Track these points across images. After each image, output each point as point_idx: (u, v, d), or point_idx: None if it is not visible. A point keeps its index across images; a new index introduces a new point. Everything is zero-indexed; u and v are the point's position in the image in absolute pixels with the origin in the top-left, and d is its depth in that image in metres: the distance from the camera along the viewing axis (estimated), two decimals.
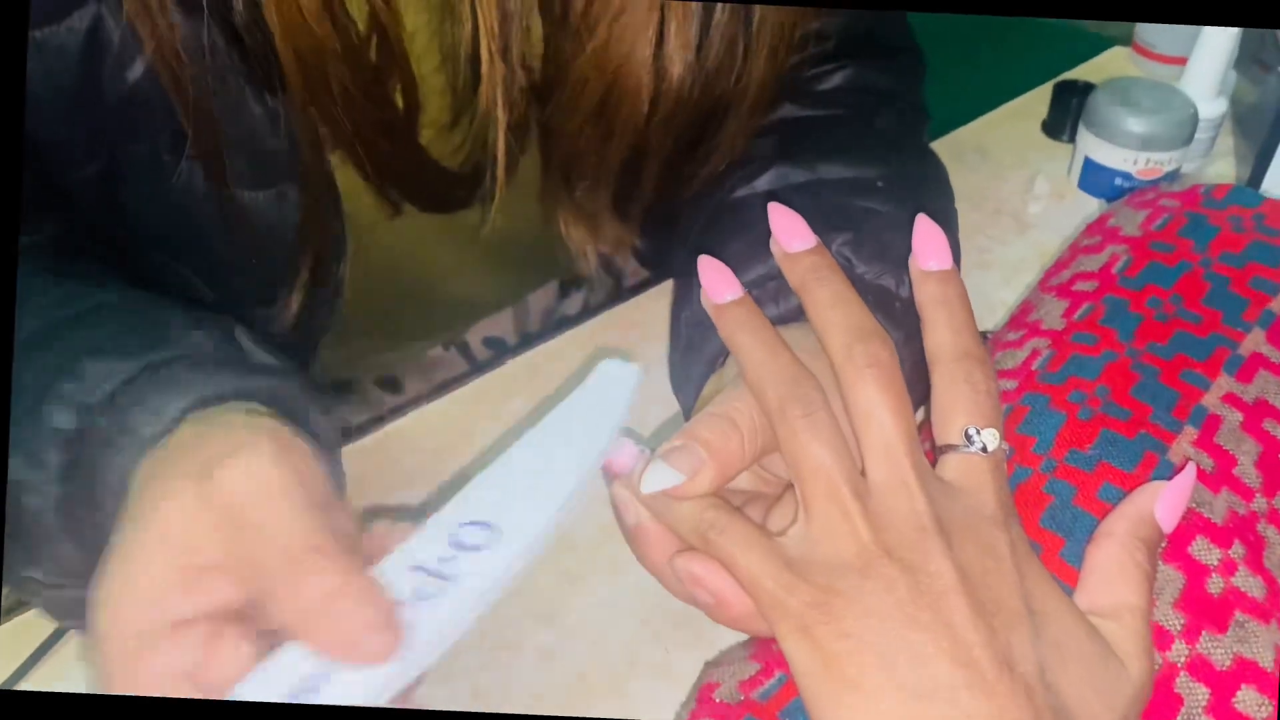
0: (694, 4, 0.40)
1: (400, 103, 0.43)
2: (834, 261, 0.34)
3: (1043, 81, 0.73)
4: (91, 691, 0.27)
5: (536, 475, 0.31)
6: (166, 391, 0.31)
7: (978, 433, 0.30)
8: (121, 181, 0.40)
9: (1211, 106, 0.64)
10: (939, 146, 0.66)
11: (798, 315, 0.36)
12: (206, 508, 0.27)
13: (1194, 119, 0.61)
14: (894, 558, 0.28)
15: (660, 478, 0.30)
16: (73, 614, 0.34)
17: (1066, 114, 0.68)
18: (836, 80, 0.53)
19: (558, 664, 0.39)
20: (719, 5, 0.41)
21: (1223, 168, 0.67)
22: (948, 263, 0.33)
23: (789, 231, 0.34)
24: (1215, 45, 0.63)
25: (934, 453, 0.31)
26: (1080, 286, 0.42)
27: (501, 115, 0.43)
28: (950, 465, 0.30)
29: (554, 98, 0.44)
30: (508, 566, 0.29)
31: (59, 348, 0.33)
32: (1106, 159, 0.62)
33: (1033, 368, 0.38)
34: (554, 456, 0.31)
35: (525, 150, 0.47)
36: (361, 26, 0.40)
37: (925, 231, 0.34)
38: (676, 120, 0.44)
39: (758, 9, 0.42)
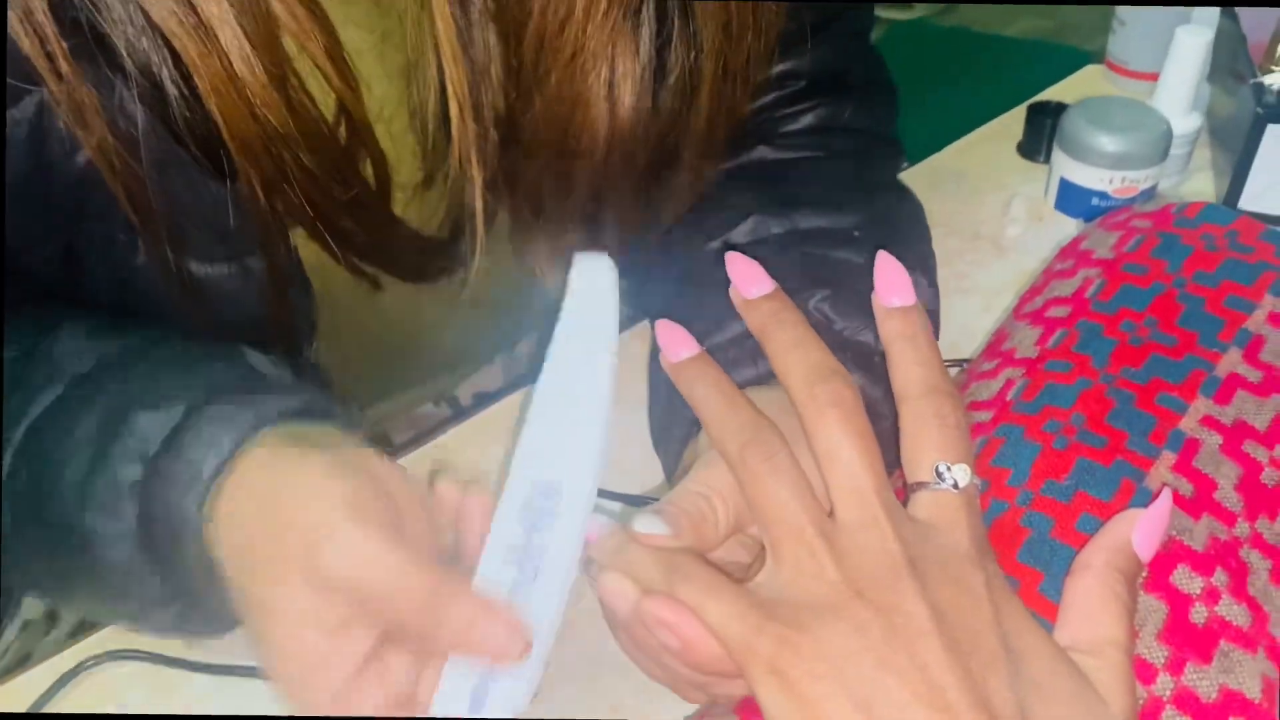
0: (641, 47, 0.40)
1: (371, 176, 0.43)
2: (793, 305, 0.33)
3: (1018, 103, 0.73)
4: None
5: (569, 414, 0.33)
6: (216, 428, 0.33)
7: (948, 469, 0.30)
8: (82, 260, 0.40)
9: (1185, 122, 0.64)
10: (917, 173, 0.66)
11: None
12: (323, 590, 0.30)
13: (1167, 135, 0.61)
14: (866, 599, 0.27)
15: (650, 524, 0.30)
16: (168, 630, 0.37)
17: (1041, 135, 0.68)
18: (809, 120, 0.53)
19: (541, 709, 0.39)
20: (673, 32, 0.41)
21: (1201, 182, 0.67)
22: (910, 299, 0.33)
23: (746, 278, 0.34)
24: (1185, 59, 0.63)
25: (905, 491, 0.31)
26: (1053, 313, 0.42)
27: (477, 173, 0.43)
28: (922, 503, 0.30)
29: (515, 146, 0.44)
30: (579, 524, 0.31)
31: (103, 402, 0.35)
32: (1082, 179, 0.62)
33: (1007, 398, 0.38)
34: (575, 383, 0.33)
35: (499, 203, 0.47)
36: (325, 110, 0.39)
37: (886, 269, 0.33)
38: (634, 159, 0.44)
39: (716, 36, 0.42)
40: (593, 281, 0.35)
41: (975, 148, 0.71)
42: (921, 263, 0.46)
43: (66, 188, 0.38)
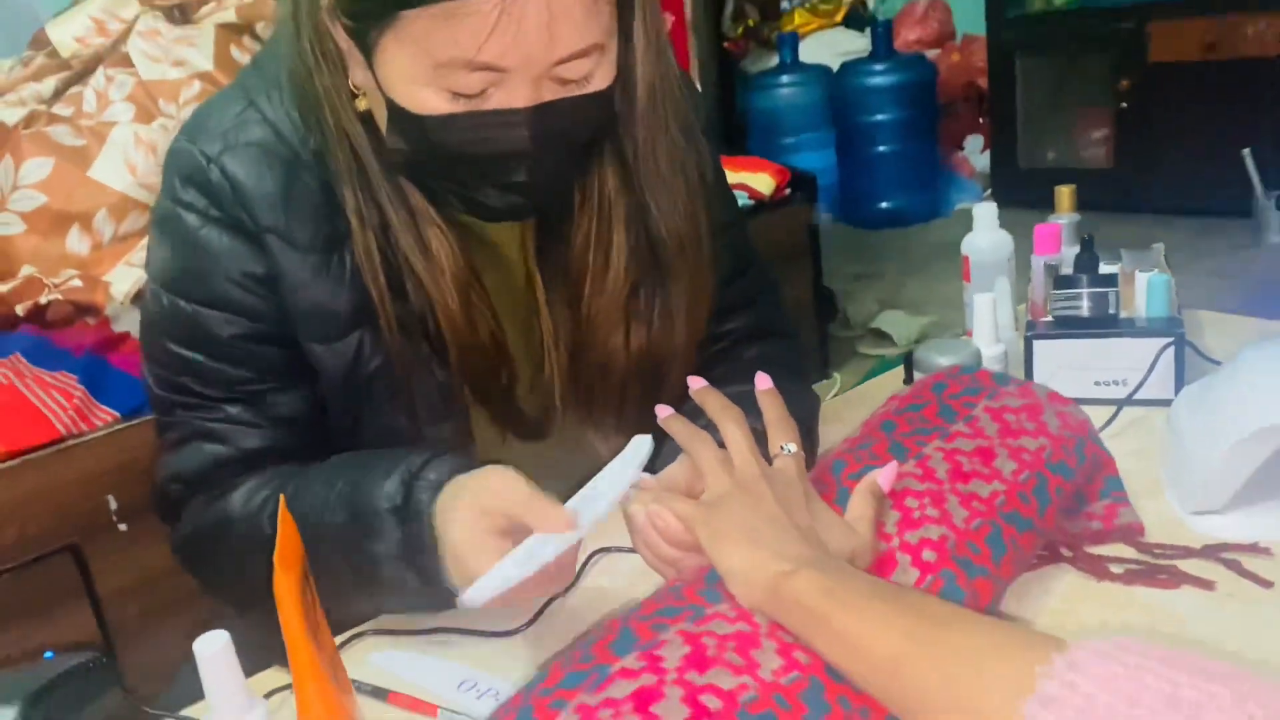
0: (644, 301, 0.82)
1: (505, 378, 0.84)
2: (720, 394, 0.71)
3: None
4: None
5: (605, 484, 0.68)
6: (432, 476, 0.70)
7: (783, 446, 0.67)
8: (360, 421, 0.81)
9: (992, 349, 1.04)
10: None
11: None
12: (483, 503, 0.66)
13: (977, 355, 1.01)
14: (744, 491, 0.63)
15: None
16: (422, 608, 0.71)
17: (912, 367, 1.08)
18: (751, 353, 0.94)
19: None
20: (657, 305, 0.83)
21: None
22: (768, 384, 0.71)
23: (696, 382, 0.72)
24: (983, 314, 1.04)
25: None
26: (886, 423, 0.79)
27: (559, 384, 0.84)
28: (778, 461, 0.67)
29: (578, 366, 0.85)
30: (602, 511, 0.65)
31: (366, 482, 0.72)
32: None
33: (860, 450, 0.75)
34: (612, 475, 0.68)
35: (570, 398, 0.87)
36: (487, 337, 0.81)
37: (766, 400, 0.71)
38: (641, 367, 0.85)
39: (681, 304, 0.84)
40: (635, 448, 0.70)
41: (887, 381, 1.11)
42: (812, 430, 0.84)
43: (362, 381, 0.79)
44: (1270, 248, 2.78)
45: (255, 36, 1.92)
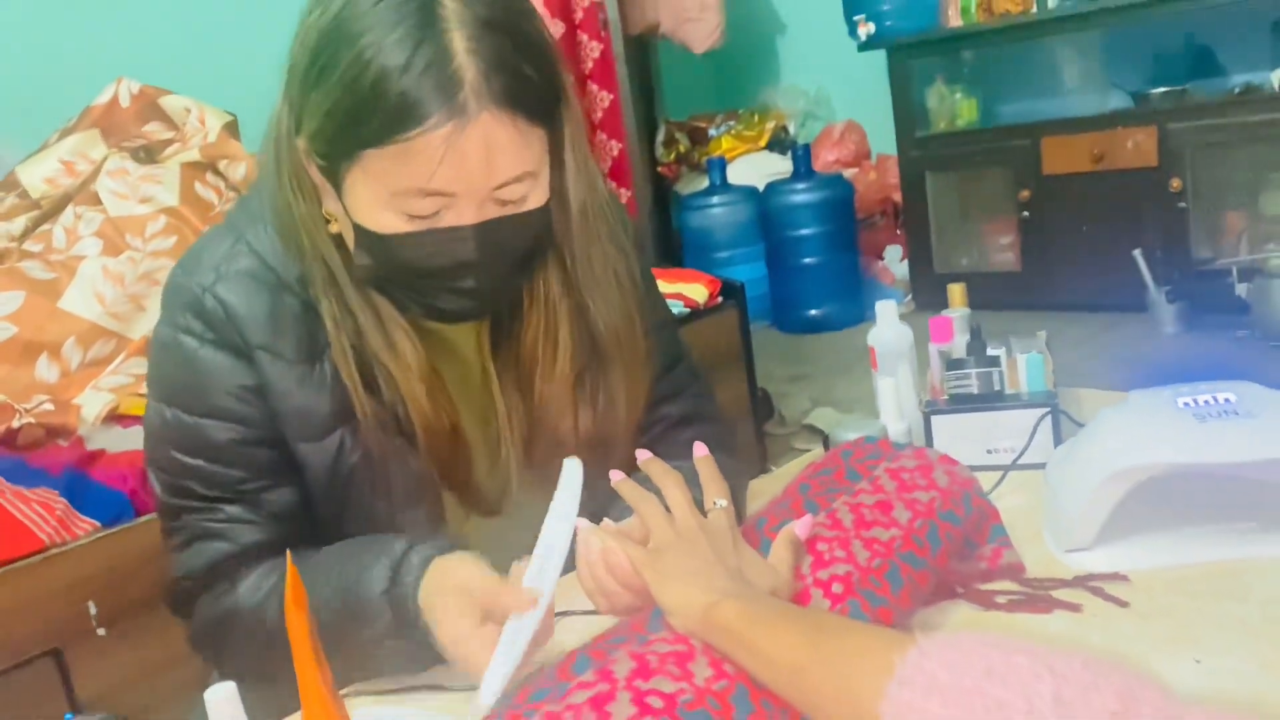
0: (589, 387, 0.95)
1: (466, 463, 0.95)
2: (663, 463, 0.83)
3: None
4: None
5: (553, 531, 0.78)
6: (414, 560, 0.80)
7: (715, 502, 0.79)
8: (343, 512, 0.92)
9: (897, 426, 1.18)
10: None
11: None
12: (462, 598, 0.77)
13: (884, 432, 1.14)
14: (684, 540, 0.75)
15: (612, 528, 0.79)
16: (412, 670, 0.81)
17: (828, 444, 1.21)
18: (685, 435, 1.07)
19: None
20: (600, 391, 0.95)
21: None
22: (705, 452, 0.83)
23: (642, 454, 0.84)
24: (886, 397, 1.18)
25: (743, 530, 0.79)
26: (801, 487, 0.91)
27: (514, 464, 0.96)
28: (710, 515, 0.78)
29: (533, 447, 0.97)
30: (558, 565, 0.76)
31: (357, 573, 0.82)
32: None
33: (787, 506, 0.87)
34: (557, 520, 0.79)
35: (522, 477, 0.99)
36: (449, 427, 0.93)
37: (701, 464, 0.83)
38: (590, 447, 0.96)
39: (622, 390, 0.96)
40: (569, 474, 0.83)
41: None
42: (742, 496, 0.96)
43: (344, 474, 0.90)
44: (1164, 338, 3.02)
45: (218, 173, 2.06)
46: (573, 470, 0.83)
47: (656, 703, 0.60)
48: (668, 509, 0.79)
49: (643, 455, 0.84)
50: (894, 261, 4.24)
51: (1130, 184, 3.31)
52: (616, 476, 0.82)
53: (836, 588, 0.76)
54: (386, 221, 0.82)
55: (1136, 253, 3.06)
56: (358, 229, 0.84)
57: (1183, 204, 3.24)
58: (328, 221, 0.88)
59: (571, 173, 0.90)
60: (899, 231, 4.24)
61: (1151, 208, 3.29)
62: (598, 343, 0.94)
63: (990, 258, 3.87)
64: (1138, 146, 3.26)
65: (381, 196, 0.81)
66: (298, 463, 0.90)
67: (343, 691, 0.85)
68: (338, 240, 0.88)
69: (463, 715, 0.81)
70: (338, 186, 0.84)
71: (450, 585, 0.79)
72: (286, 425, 0.89)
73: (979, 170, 3.80)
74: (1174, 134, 3.23)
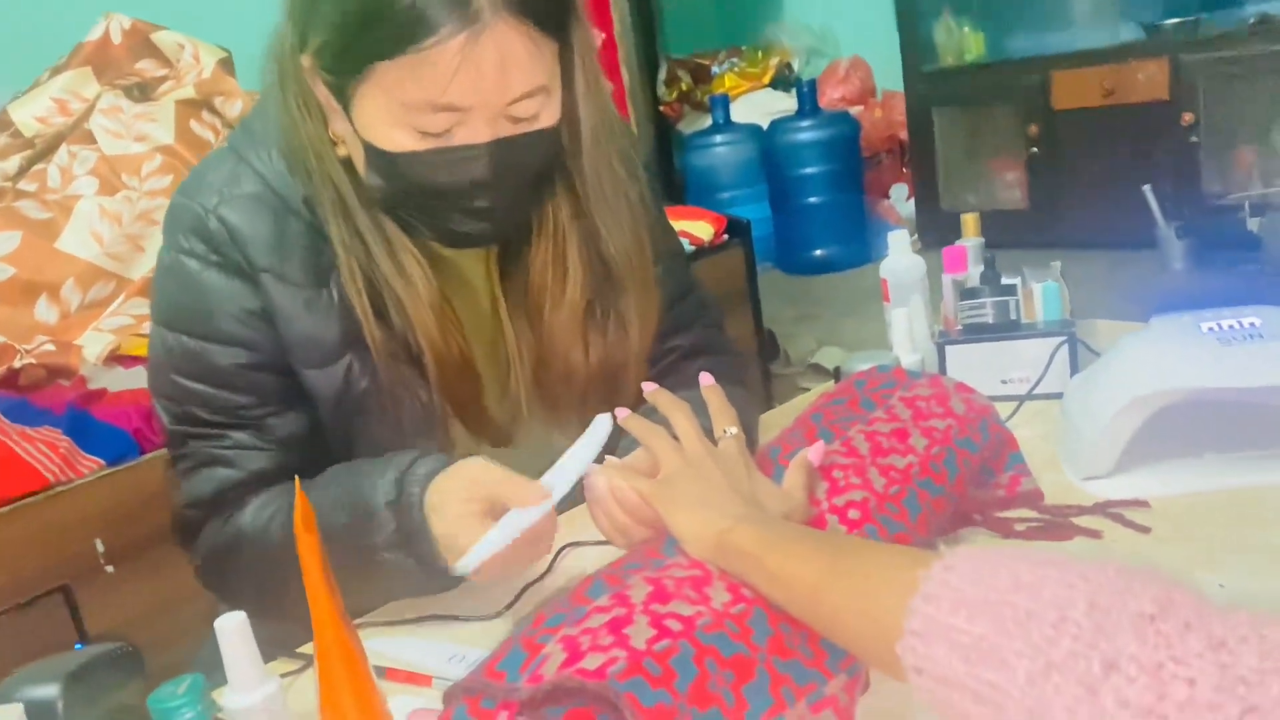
0: (599, 315, 0.93)
1: (475, 392, 0.93)
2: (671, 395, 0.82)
3: None
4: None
5: (573, 460, 0.77)
6: (420, 471, 0.79)
7: (726, 430, 0.77)
8: (353, 433, 0.90)
9: (910, 358, 1.16)
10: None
11: None
12: (467, 489, 0.75)
13: (895, 361, 1.12)
14: (694, 467, 0.73)
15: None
16: (421, 590, 0.81)
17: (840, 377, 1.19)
18: (696, 366, 1.04)
19: None
20: (611, 318, 0.93)
21: None
22: (711, 382, 0.82)
23: (648, 387, 0.82)
24: (899, 327, 1.16)
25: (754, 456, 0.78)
26: (814, 415, 0.90)
27: (525, 395, 0.94)
28: (721, 441, 0.77)
29: (542, 375, 0.95)
30: (570, 483, 0.75)
31: (364, 487, 0.81)
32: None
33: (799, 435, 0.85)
34: (579, 452, 0.78)
35: (533, 406, 0.97)
36: (458, 354, 0.91)
37: (709, 393, 0.82)
38: (601, 376, 0.95)
39: (633, 316, 0.94)
40: (597, 426, 0.81)
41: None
42: (754, 420, 0.95)
43: (352, 401, 0.88)
44: (1173, 274, 2.98)
45: (214, 111, 2.02)
46: (601, 423, 0.80)
47: (675, 625, 0.59)
48: (677, 440, 0.78)
49: (649, 388, 0.82)
50: (900, 200, 4.19)
51: (1141, 118, 3.26)
52: (623, 414, 0.80)
53: (853, 514, 0.74)
54: (397, 139, 0.80)
55: (1146, 188, 3.01)
56: (368, 148, 0.82)
57: (1194, 138, 3.19)
58: (334, 145, 0.86)
59: (582, 92, 0.87)
60: (905, 170, 4.19)
61: (1162, 142, 3.24)
62: (608, 268, 0.92)
63: (997, 195, 3.82)
64: (1149, 80, 3.20)
65: (393, 112, 0.79)
66: (305, 389, 0.88)
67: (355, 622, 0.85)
68: (345, 163, 0.86)
69: (478, 645, 0.80)
70: (346, 104, 0.81)
71: (457, 482, 0.78)
72: (293, 350, 0.87)
73: (987, 106, 3.74)
74: (1186, 66, 3.17)
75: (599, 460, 0.77)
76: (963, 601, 0.50)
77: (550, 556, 0.89)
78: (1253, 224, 2.76)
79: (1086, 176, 3.42)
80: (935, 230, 3.74)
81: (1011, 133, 3.65)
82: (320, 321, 0.86)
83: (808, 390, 2.81)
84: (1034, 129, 3.53)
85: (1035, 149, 3.55)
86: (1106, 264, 3.21)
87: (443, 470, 0.79)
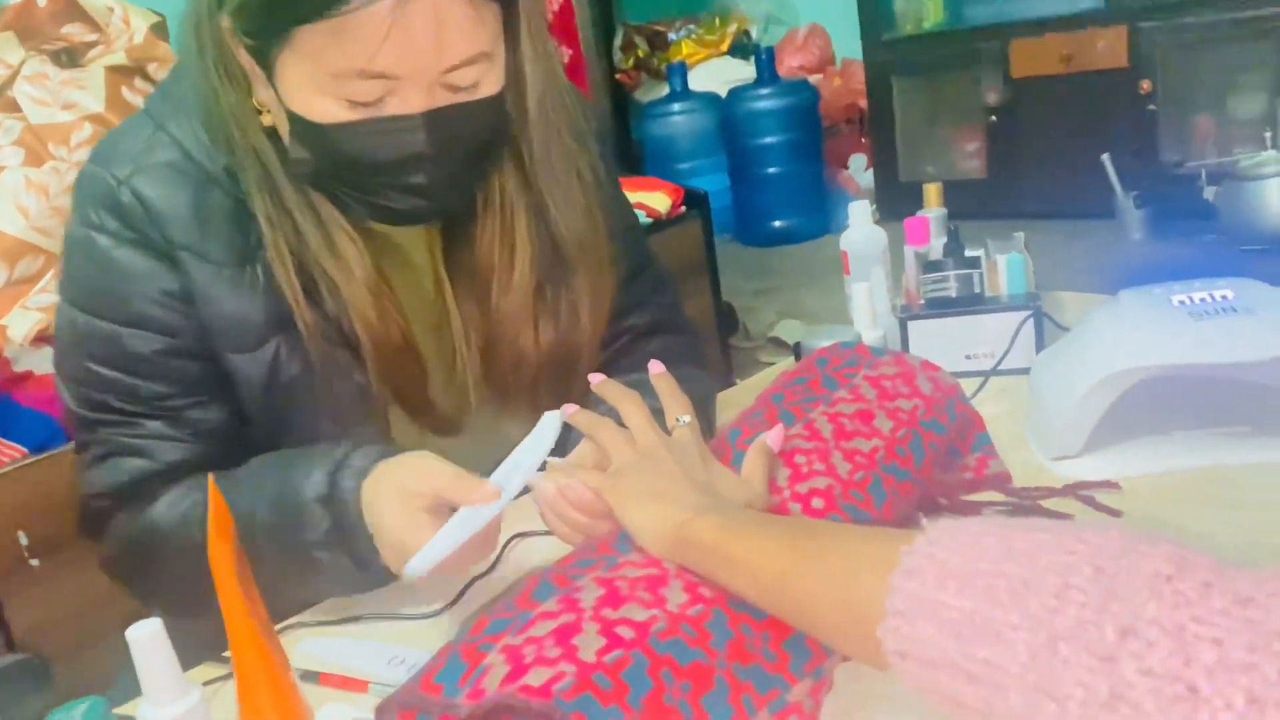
0: (550, 297, 0.87)
1: (418, 378, 0.88)
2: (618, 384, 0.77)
3: None
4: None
5: (523, 459, 0.72)
6: (357, 463, 0.73)
7: (678, 419, 0.73)
8: (282, 423, 0.84)
9: (871, 333, 1.12)
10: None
11: None
12: (411, 485, 0.69)
13: (858, 339, 1.09)
14: (647, 458, 0.69)
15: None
16: (356, 589, 0.74)
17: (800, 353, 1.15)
18: (653, 346, 1.00)
19: None
20: (563, 300, 0.88)
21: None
22: (661, 370, 0.77)
23: (595, 378, 0.77)
24: (860, 301, 1.12)
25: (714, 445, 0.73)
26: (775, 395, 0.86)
27: (472, 381, 0.89)
28: (675, 431, 0.72)
29: (490, 362, 0.90)
30: (520, 483, 0.69)
31: (293, 480, 0.75)
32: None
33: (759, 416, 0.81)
34: (527, 451, 0.73)
35: (480, 393, 0.92)
36: (399, 338, 0.85)
37: (659, 381, 0.77)
38: (553, 361, 0.90)
39: (586, 298, 0.89)
40: (547, 424, 0.75)
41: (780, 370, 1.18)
42: (709, 404, 0.90)
43: (281, 389, 0.82)
44: (1132, 244, 2.98)
45: (146, 77, 1.92)
46: (551, 420, 0.75)
47: (627, 633, 0.55)
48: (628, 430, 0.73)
49: (595, 379, 0.77)
50: (859, 171, 4.16)
51: (1100, 86, 3.25)
52: (569, 410, 0.75)
53: (817, 502, 0.70)
54: (324, 109, 0.74)
55: (1105, 157, 3.00)
56: (293, 118, 0.76)
57: (1152, 106, 3.19)
58: (259, 111, 0.80)
59: (529, 58, 0.81)
60: (864, 140, 4.15)
61: (1121, 111, 3.23)
62: (559, 247, 0.87)
63: (957, 165, 3.80)
64: (1108, 47, 3.18)
65: (318, 80, 0.73)
66: (228, 376, 0.82)
67: (282, 625, 0.79)
68: (271, 133, 0.80)
69: (419, 645, 0.75)
70: (268, 70, 0.75)
71: (398, 478, 0.72)
72: (215, 335, 0.81)
73: (946, 74, 3.71)
74: (1145, 33, 3.16)
75: (543, 468, 0.72)
76: (949, 574, 0.45)
77: (498, 549, 0.84)
78: (1209, 193, 2.76)
79: (1045, 145, 3.41)
80: (894, 201, 3.72)
81: (971, 101, 3.63)
82: (245, 302, 0.80)
83: (769, 365, 2.80)
84: (993, 97, 3.50)
85: (994, 118, 3.53)
86: (1064, 233, 3.21)
87: (382, 462, 0.73)
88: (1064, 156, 3.34)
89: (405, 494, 0.70)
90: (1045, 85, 3.38)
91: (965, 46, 3.59)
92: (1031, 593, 0.42)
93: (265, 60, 0.75)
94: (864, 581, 0.49)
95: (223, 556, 0.53)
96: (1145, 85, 3.17)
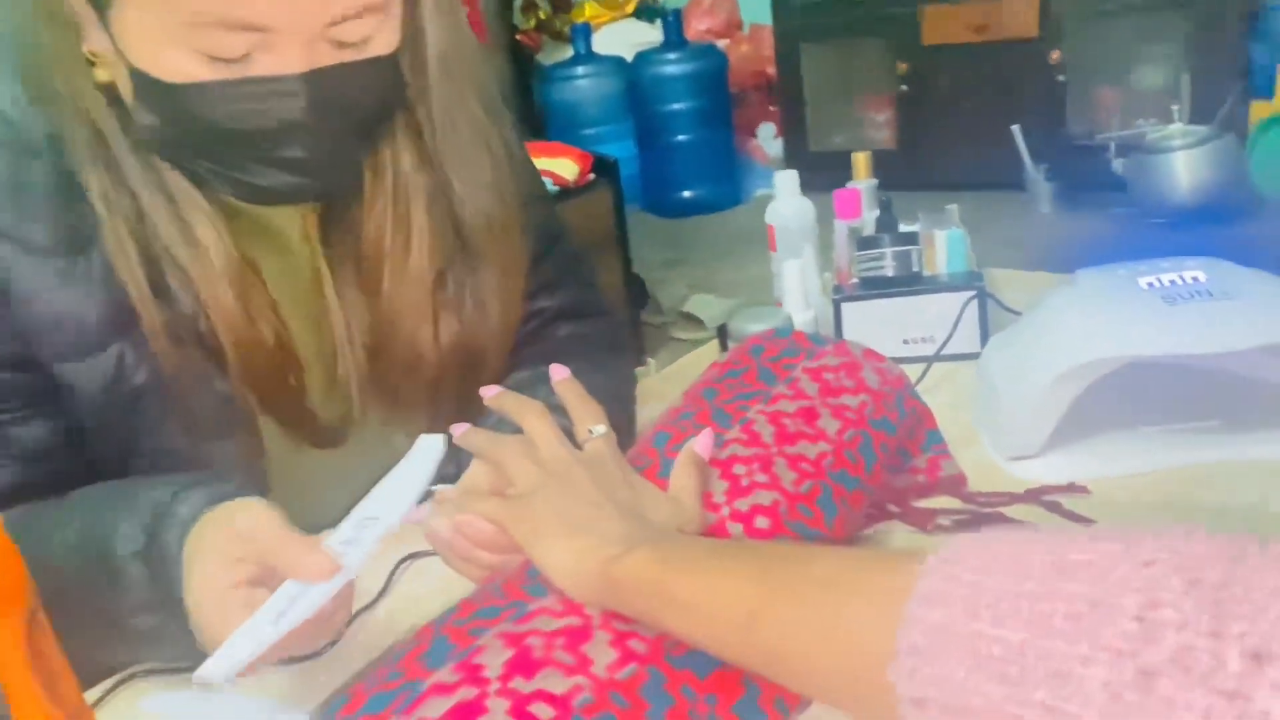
0: (453, 289, 0.75)
1: (293, 382, 0.75)
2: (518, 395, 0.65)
3: None
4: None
5: (387, 500, 0.60)
6: (182, 511, 0.58)
7: (591, 430, 0.62)
8: (132, 437, 0.70)
9: (802, 315, 1.03)
10: None
11: None
12: (231, 547, 0.55)
13: (789, 322, 0.99)
14: (556, 479, 0.57)
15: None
16: (196, 656, 0.57)
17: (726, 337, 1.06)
18: (564, 331, 0.88)
19: None
20: (467, 292, 0.76)
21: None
22: (565, 375, 0.65)
23: (487, 392, 0.65)
24: (791, 279, 1.03)
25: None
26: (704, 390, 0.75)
27: (356, 385, 0.76)
28: (588, 445, 0.61)
29: (378, 365, 0.77)
30: (378, 537, 0.57)
31: (104, 529, 0.60)
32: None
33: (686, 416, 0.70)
34: (396, 487, 0.60)
35: (370, 400, 0.79)
36: (269, 337, 0.72)
37: (564, 389, 0.65)
38: (455, 361, 0.77)
39: (494, 289, 0.77)
40: (424, 450, 0.63)
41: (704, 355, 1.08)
42: (627, 399, 0.79)
43: (126, 400, 0.68)
44: (1042, 216, 2.98)
45: None
46: (430, 445, 0.63)
47: (545, 712, 0.44)
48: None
49: (488, 393, 0.65)
50: (768, 139, 4.09)
51: (1010, 56, 3.22)
52: (459, 430, 0.64)
53: (761, 521, 0.60)
54: (177, 65, 0.61)
55: (1015, 128, 2.99)
56: (136, 75, 0.62)
57: (1061, 77, 3.18)
58: (92, 64, 0.65)
59: (429, 10, 0.70)
60: (772, 108, 4.07)
61: (1031, 81, 3.21)
62: (463, 233, 0.75)
63: (866, 135, 3.75)
64: (1018, 16, 3.15)
65: (169, 29, 0.60)
66: (58, 388, 0.68)
67: (118, 677, 0.66)
68: (109, 91, 0.65)
69: (295, 698, 0.63)
70: (102, 12, 0.61)
71: (215, 540, 0.57)
72: (40, 338, 0.67)
73: (856, 41, 3.64)
74: (1055, 2, 3.14)
75: (426, 499, 0.60)
76: (984, 599, 0.35)
77: (386, 575, 0.72)
78: (1117, 165, 2.76)
79: (955, 116, 3.37)
80: (804, 171, 3.64)
81: (881, 70, 3.57)
82: (77, 298, 0.66)
83: (682, 342, 2.71)
84: (903, 66, 3.45)
85: (905, 87, 3.48)
86: (972, 205, 3.18)
87: (208, 512, 0.58)
88: (974, 127, 3.31)
89: (221, 560, 0.56)
90: (956, 54, 3.34)
91: (876, 11, 3.52)
92: (1102, 615, 0.32)
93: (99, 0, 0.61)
94: (861, 614, 0.39)
95: (7, 634, 0.40)
96: (1055, 56, 3.16)
